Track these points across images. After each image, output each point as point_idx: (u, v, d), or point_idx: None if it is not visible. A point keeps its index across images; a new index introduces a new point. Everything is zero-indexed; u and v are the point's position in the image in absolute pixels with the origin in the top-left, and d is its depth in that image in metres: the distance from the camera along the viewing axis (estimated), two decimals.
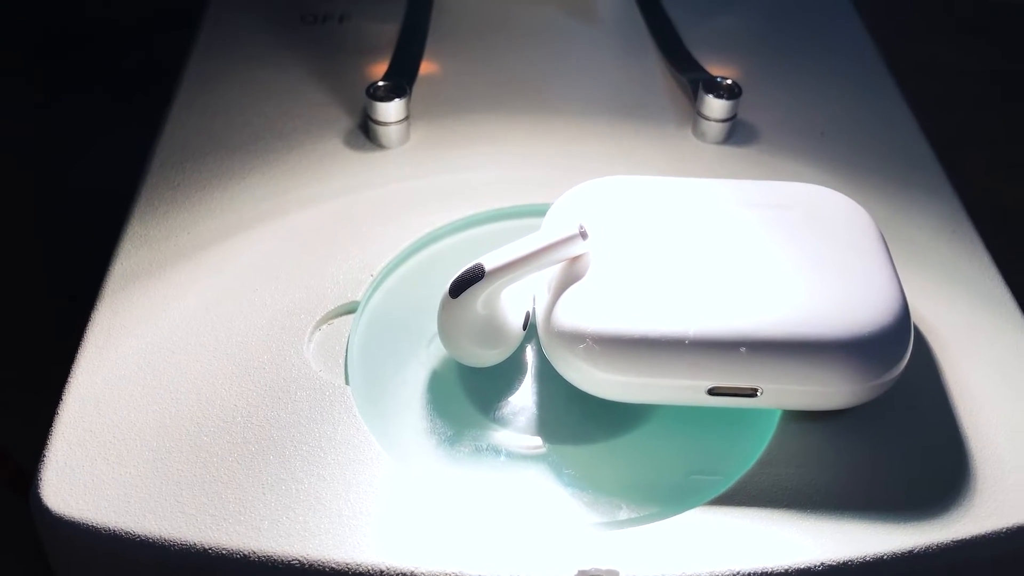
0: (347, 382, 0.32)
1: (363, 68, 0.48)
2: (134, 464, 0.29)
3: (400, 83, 0.42)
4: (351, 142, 0.42)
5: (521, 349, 0.34)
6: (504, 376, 0.33)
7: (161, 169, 0.40)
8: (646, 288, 0.30)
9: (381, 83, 0.41)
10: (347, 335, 0.34)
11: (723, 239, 0.32)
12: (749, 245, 0.31)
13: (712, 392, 0.29)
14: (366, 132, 0.42)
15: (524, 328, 0.33)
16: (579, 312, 0.29)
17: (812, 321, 0.29)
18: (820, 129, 0.44)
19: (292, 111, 0.44)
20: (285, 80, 0.46)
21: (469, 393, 0.33)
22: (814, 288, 0.30)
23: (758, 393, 0.29)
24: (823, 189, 0.34)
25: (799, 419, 0.31)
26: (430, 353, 0.34)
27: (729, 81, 0.43)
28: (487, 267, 0.29)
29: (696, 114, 0.43)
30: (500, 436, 0.31)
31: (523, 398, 0.33)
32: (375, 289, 0.36)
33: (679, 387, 0.29)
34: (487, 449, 0.31)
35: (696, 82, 0.43)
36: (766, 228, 0.32)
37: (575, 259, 0.31)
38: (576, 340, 0.29)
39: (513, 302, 0.32)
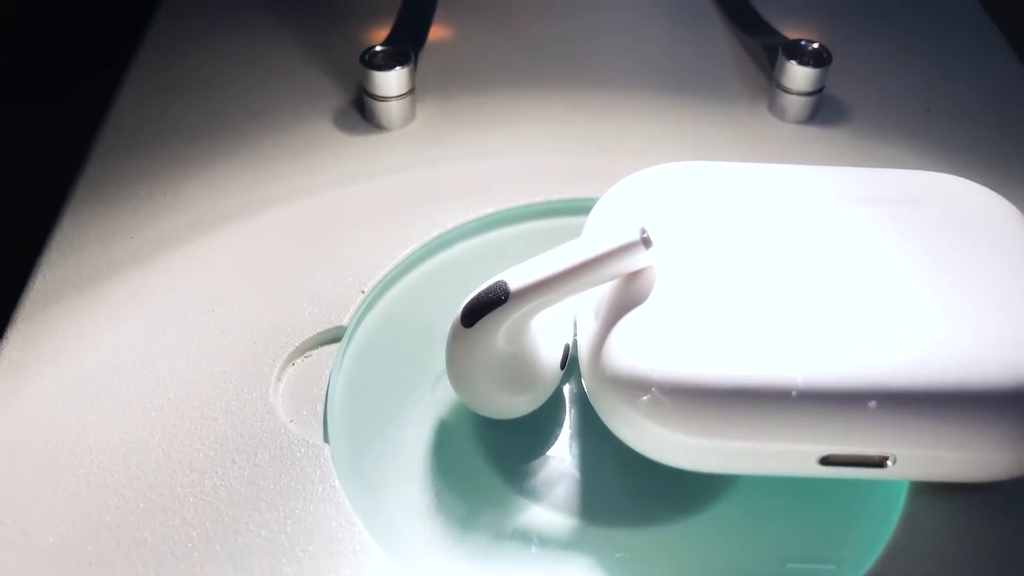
0: (326, 439, 0.29)
1: (360, 32, 0.45)
2: (40, 552, 0.25)
3: (403, 48, 0.39)
4: (343, 122, 0.40)
5: (558, 395, 0.30)
6: (535, 432, 0.30)
7: (103, 159, 0.37)
8: (734, 317, 0.26)
9: (380, 48, 0.39)
10: (328, 373, 0.30)
11: (833, 248, 0.28)
12: (870, 256, 0.27)
13: (826, 461, 0.25)
14: (362, 110, 0.40)
15: (562, 367, 0.29)
16: (642, 350, 0.25)
17: (966, 364, 0.25)
18: (925, 105, 0.41)
19: (270, 84, 0.42)
20: (263, 47, 0.44)
21: (488, 455, 0.29)
22: (964, 317, 0.26)
23: (888, 463, 0.25)
24: (958, 179, 0.30)
25: (930, 493, 0.27)
26: (436, 399, 0.30)
27: (816, 45, 0.40)
28: (512, 286, 0.26)
29: (774, 86, 0.41)
30: (530, 516, 0.28)
31: (561, 463, 0.29)
32: (366, 311, 0.33)
33: (781, 454, 0.25)
34: (513, 534, 0.27)
35: (773, 48, 0.41)
36: (890, 233, 0.28)
37: (634, 275, 0.27)
38: (637, 389, 0.25)
39: (548, 332, 0.29)
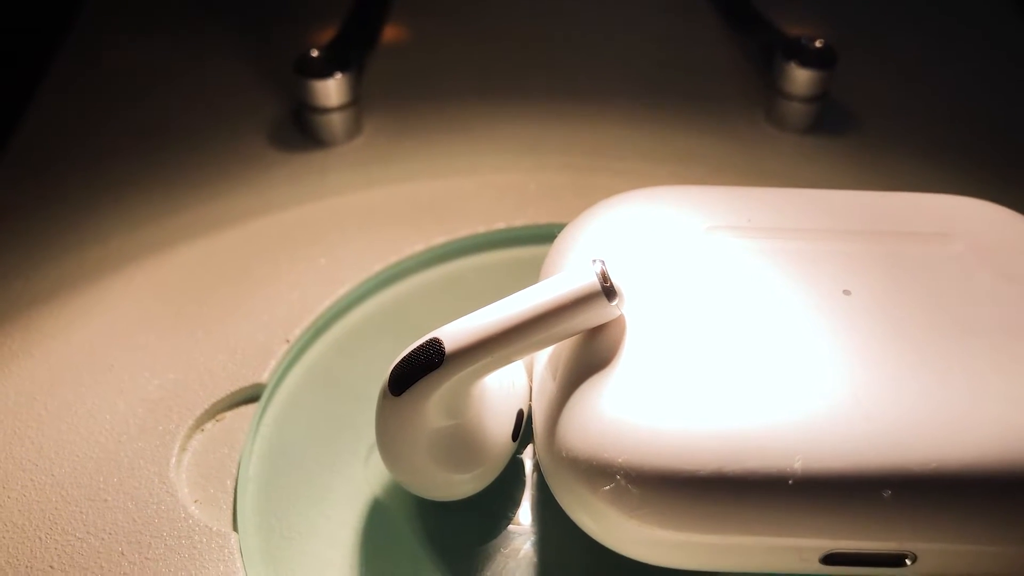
0: (235, 526, 0.26)
1: (302, 35, 0.43)
2: None
3: (345, 52, 0.37)
4: (278, 137, 0.38)
5: (513, 470, 0.27)
6: (484, 514, 0.27)
7: (2, 182, 0.35)
8: (717, 384, 0.23)
9: (317, 53, 0.37)
10: (242, 441, 0.28)
11: (838, 296, 0.25)
12: (883, 306, 0.25)
13: (830, 560, 0.23)
14: (300, 123, 0.38)
15: (515, 438, 0.26)
16: (605, 426, 0.22)
17: (1003, 440, 0.22)
18: (938, 114, 0.39)
19: (196, 95, 0.40)
20: (188, 51, 0.42)
21: (430, 542, 0.26)
22: (999, 382, 0.23)
23: (907, 561, 0.22)
24: (986, 204, 0.28)
25: None
26: (368, 474, 0.27)
27: (819, 43, 0.38)
28: (448, 346, 0.23)
29: (772, 91, 0.39)
30: None
31: (515, 552, 0.26)
32: (290, 365, 0.30)
33: (774, 551, 0.23)
34: None
35: (771, 47, 0.39)
36: (907, 275, 0.25)
37: (598, 329, 0.24)
38: (600, 475, 0.22)
39: (496, 397, 0.26)
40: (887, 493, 0.21)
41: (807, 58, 0.37)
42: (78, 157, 0.37)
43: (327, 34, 0.41)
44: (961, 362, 0.23)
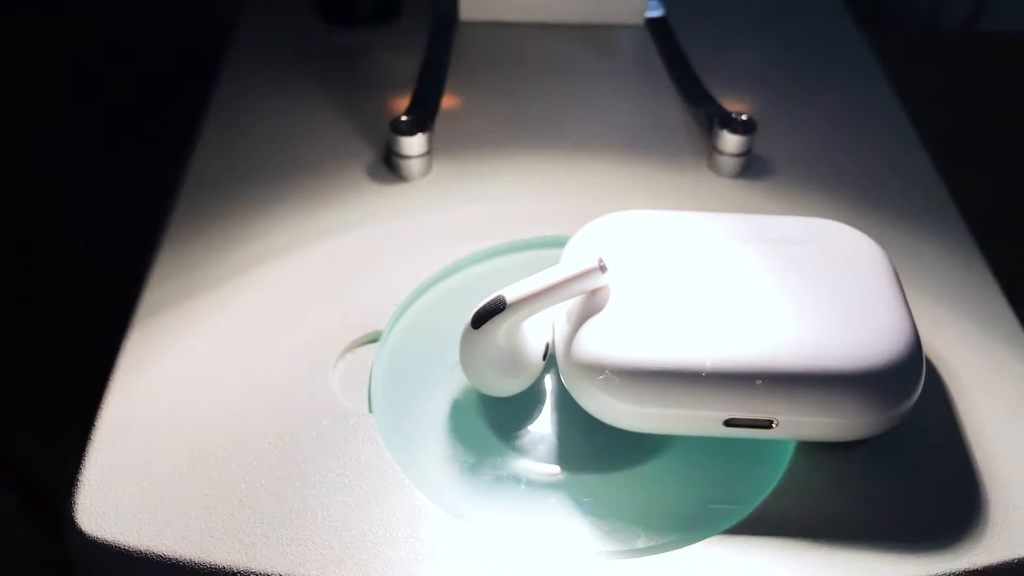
0: (370, 410, 0.33)
1: (386, 101, 0.49)
2: (165, 489, 0.30)
3: (423, 117, 0.43)
4: (375, 174, 0.43)
5: (541, 379, 0.34)
6: (524, 405, 0.34)
7: (188, 201, 0.41)
8: (664, 321, 0.30)
9: (404, 117, 0.42)
10: (371, 364, 0.35)
11: (739, 273, 0.32)
12: (764, 279, 0.32)
13: (729, 423, 0.30)
14: (389, 165, 0.43)
15: (544, 358, 0.33)
16: (598, 344, 0.30)
17: (825, 354, 0.29)
18: (834, 163, 0.45)
19: (316, 143, 0.45)
20: (310, 113, 0.47)
21: (490, 422, 0.33)
22: (827, 322, 0.30)
23: (773, 424, 0.30)
24: (836, 224, 0.35)
25: (813, 450, 0.32)
26: (451, 382, 0.34)
27: (744, 116, 0.43)
28: (508, 299, 0.30)
29: (712, 149, 0.44)
30: (520, 464, 0.32)
31: (543, 427, 0.33)
32: (398, 319, 0.37)
33: (696, 418, 0.30)
34: (507, 477, 0.32)
35: (712, 117, 0.44)
36: (781, 263, 0.33)
37: (594, 292, 0.31)
38: (595, 371, 0.30)
39: (533, 333, 0.33)
40: (759, 382, 0.29)
41: (736, 127, 0.42)
42: (241, 182, 0.42)
43: (401, 100, 0.46)
44: (803, 309, 0.30)
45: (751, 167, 0.44)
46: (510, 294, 0.30)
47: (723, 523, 0.30)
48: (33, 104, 0.70)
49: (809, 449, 0.32)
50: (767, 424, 0.30)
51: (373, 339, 0.35)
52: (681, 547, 0.29)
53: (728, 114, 0.44)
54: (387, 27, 0.54)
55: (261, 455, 0.31)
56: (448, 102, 0.48)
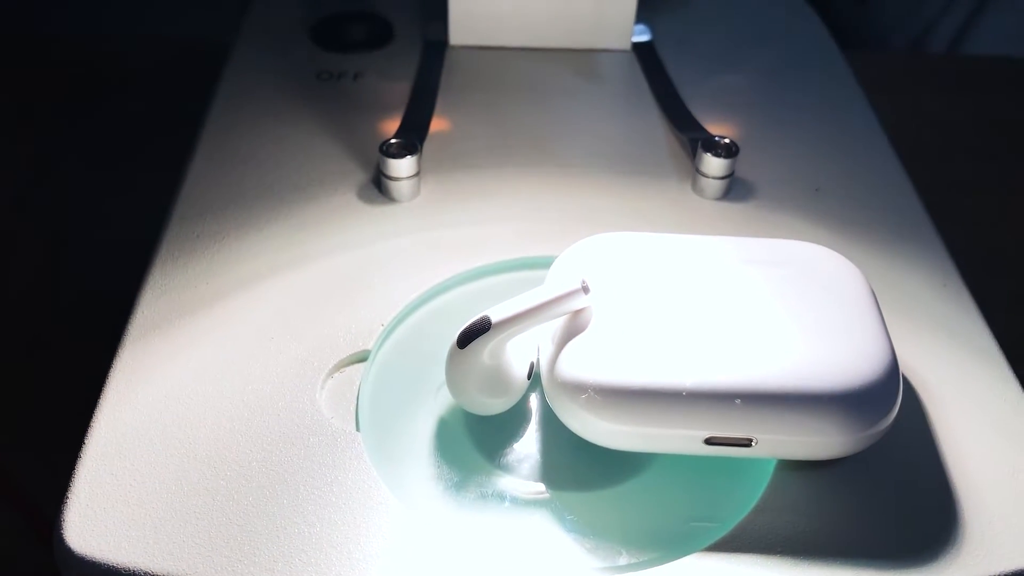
0: (357, 428, 0.33)
1: (376, 124, 0.48)
2: (154, 506, 0.30)
3: (412, 140, 0.42)
4: (364, 196, 0.43)
5: (526, 398, 0.34)
6: (509, 424, 0.34)
7: (181, 221, 0.41)
8: (646, 341, 0.30)
9: (394, 140, 0.42)
10: (358, 383, 0.34)
11: (720, 294, 0.32)
12: (745, 300, 0.32)
13: (709, 442, 0.30)
14: (379, 186, 0.43)
15: (529, 378, 0.33)
16: (581, 364, 0.30)
17: (804, 374, 0.30)
18: (815, 186, 0.45)
19: (307, 165, 0.45)
20: (301, 135, 0.47)
21: (475, 440, 0.33)
22: (806, 343, 0.30)
23: (753, 443, 0.30)
24: (816, 247, 0.35)
25: (793, 468, 0.32)
26: (438, 401, 0.34)
27: (727, 140, 0.43)
28: (494, 319, 0.30)
29: (695, 171, 0.44)
30: (505, 482, 0.32)
31: (527, 446, 0.33)
32: (385, 339, 0.36)
33: (677, 437, 0.30)
34: (492, 495, 0.32)
35: (695, 141, 0.44)
36: (761, 284, 0.33)
37: (578, 312, 0.31)
38: (578, 391, 0.30)
39: (518, 353, 0.33)
40: (738, 402, 0.29)
41: (719, 150, 0.42)
42: (232, 202, 0.42)
43: (391, 123, 0.46)
44: (785, 332, 0.30)
45: (734, 189, 0.44)
46: (495, 314, 0.30)
47: (704, 540, 0.30)
48: (25, 123, 0.71)
49: (789, 467, 0.32)
50: (747, 443, 0.30)
51: (361, 359, 0.35)
52: (662, 564, 0.30)
53: (711, 137, 0.44)
54: (379, 52, 0.55)
55: (249, 473, 0.31)
56: (437, 125, 0.48)
